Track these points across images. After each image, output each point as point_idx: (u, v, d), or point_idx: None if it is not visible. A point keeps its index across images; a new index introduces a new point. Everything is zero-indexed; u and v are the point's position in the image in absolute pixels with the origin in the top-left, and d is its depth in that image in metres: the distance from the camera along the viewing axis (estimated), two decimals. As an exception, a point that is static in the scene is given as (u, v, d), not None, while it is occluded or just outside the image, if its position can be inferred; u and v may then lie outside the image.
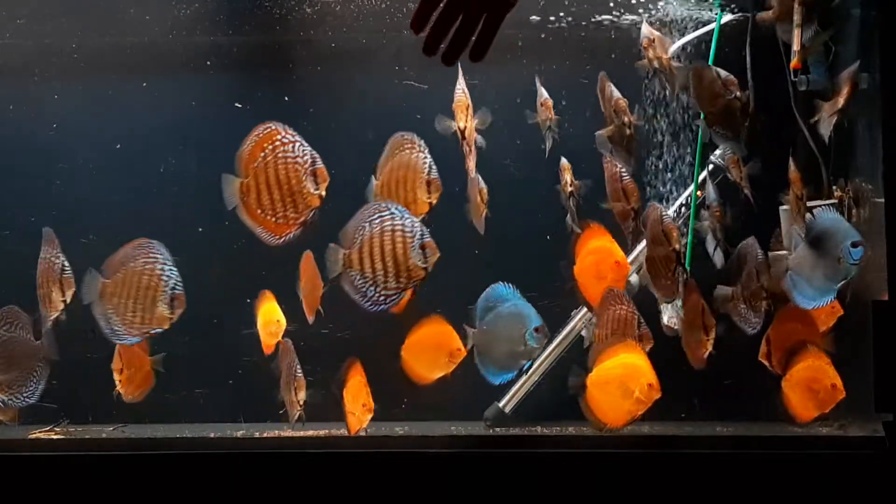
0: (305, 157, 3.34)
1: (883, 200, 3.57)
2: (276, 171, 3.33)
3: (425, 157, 3.47)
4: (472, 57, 2.55)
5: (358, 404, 3.65)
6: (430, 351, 3.68)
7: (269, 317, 3.82)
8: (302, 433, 3.88)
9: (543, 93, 3.86)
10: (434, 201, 3.45)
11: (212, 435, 3.94)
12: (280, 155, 3.32)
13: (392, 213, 3.32)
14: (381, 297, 3.34)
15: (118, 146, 4.33)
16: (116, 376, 3.84)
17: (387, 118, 4.16)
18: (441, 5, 2.48)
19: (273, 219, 3.36)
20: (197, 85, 4.34)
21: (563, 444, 3.76)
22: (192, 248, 4.28)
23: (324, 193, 3.33)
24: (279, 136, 3.35)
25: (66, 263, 3.62)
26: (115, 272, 3.51)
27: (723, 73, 3.59)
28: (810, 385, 3.54)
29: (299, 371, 3.69)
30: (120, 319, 3.50)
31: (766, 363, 3.64)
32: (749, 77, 3.80)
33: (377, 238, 3.30)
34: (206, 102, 4.35)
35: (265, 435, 3.87)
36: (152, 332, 3.50)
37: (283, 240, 3.38)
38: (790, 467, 3.50)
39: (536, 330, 3.61)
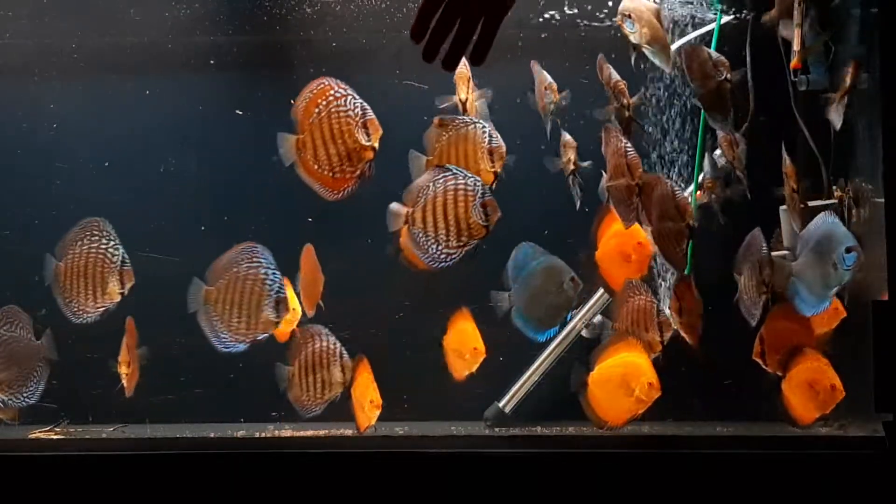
0: (357, 110, 3.34)
1: (883, 200, 3.57)
2: (329, 126, 3.34)
3: (483, 127, 3.46)
4: (471, 61, 2.55)
5: (366, 401, 3.65)
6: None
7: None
8: (302, 433, 3.88)
9: (546, 77, 3.82)
10: (499, 169, 3.44)
11: (212, 435, 3.94)
12: (333, 109, 3.34)
13: (454, 174, 3.34)
14: (443, 255, 3.37)
15: (119, 146, 4.33)
16: (123, 369, 3.83)
17: (387, 118, 4.15)
18: (439, 11, 2.48)
19: (330, 174, 3.36)
20: (197, 85, 4.35)
21: (564, 444, 3.76)
22: (192, 248, 4.29)
23: (376, 145, 3.34)
24: (332, 91, 3.36)
25: (126, 256, 3.62)
26: (218, 278, 3.49)
27: (714, 54, 3.58)
28: (810, 386, 3.54)
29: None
30: (225, 326, 3.49)
31: (759, 361, 3.64)
32: (749, 77, 3.80)
33: (440, 196, 3.32)
34: (206, 103, 4.35)
35: (265, 435, 3.87)
36: (258, 337, 3.48)
37: (341, 195, 3.39)
38: (790, 467, 3.50)
39: (571, 280, 3.59)
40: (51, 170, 4.32)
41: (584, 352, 3.86)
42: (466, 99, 3.60)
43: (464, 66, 3.60)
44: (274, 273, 3.45)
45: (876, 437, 3.52)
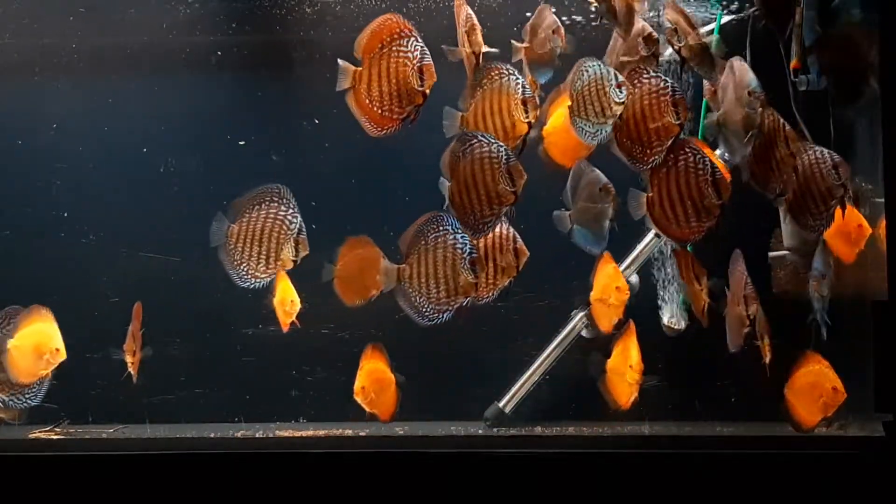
0: (416, 53, 3.34)
1: (883, 200, 3.57)
2: (388, 64, 3.34)
3: (517, 78, 3.45)
4: None
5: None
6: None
7: (285, 295, 3.78)
8: (303, 433, 3.89)
9: (554, 20, 3.66)
10: (533, 119, 3.44)
11: (212, 435, 3.94)
12: (395, 48, 3.34)
13: (479, 140, 3.36)
14: (480, 225, 3.39)
15: (119, 145, 4.33)
16: (128, 358, 3.82)
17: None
18: None
19: (379, 111, 3.37)
20: (197, 84, 4.34)
21: (563, 444, 3.77)
22: (192, 247, 4.29)
23: (428, 92, 3.33)
24: (397, 30, 3.36)
25: (303, 225, 3.55)
26: (411, 252, 3.44)
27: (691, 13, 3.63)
28: (813, 390, 3.54)
29: None
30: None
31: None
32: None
33: (468, 167, 3.35)
34: (207, 102, 4.35)
35: (265, 435, 3.87)
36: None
37: (384, 132, 3.40)
38: (790, 467, 3.50)
39: (601, 189, 3.59)
40: (51, 170, 4.32)
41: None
42: (475, 52, 3.54)
43: (472, 18, 3.55)
44: (463, 237, 3.37)
45: (876, 437, 3.52)
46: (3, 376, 3.64)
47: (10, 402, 3.65)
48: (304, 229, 3.43)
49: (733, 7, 4.04)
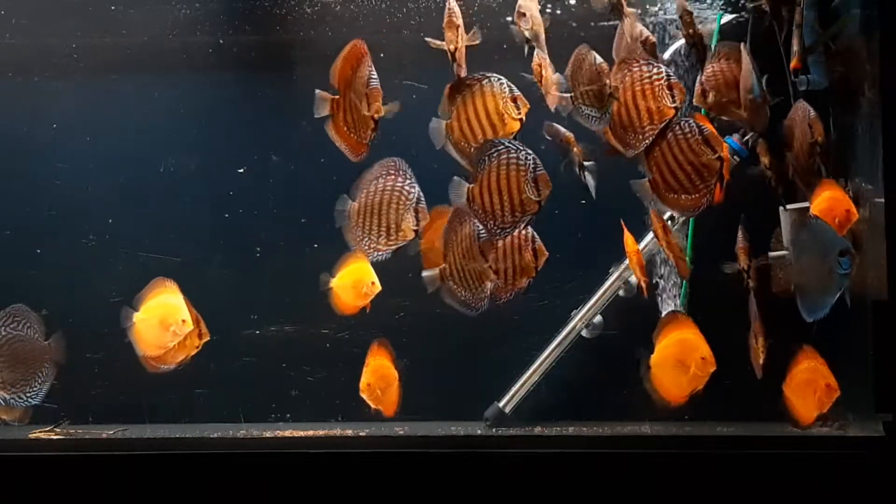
0: (372, 82, 3.45)
1: (883, 200, 3.57)
2: (354, 92, 3.47)
3: (500, 79, 3.48)
4: None
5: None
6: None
7: (361, 276, 3.76)
8: (303, 433, 3.89)
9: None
10: (523, 116, 3.46)
11: (213, 435, 3.94)
12: (360, 76, 3.46)
13: (507, 147, 3.41)
14: (498, 230, 3.43)
15: (118, 145, 4.33)
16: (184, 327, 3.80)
17: (386, 117, 4.16)
18: None
19: (355, 137, 3.49)
20: (197, 85, 4.34)
21: (563, 445, 3.76)
22: (191, 247, 4.29)
23: (377, 117, 3.44)
24: (364, 58, 3.47)
25: (422, 194, 3.54)
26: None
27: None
28: (808, 387, 3.55)
29: None
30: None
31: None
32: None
33: (494, 172, 3.39)
34: (206, 102, 4.35)
35: (266, 435, 3.87)
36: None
37: (358, 158, 3.50)
38: (790, 467, 3.50)
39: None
40: (50, 170, 4.32)
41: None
42: (456, 49, 3.56)
43: (454, 15, 3.55)
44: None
45: (876, 437, 3.52)
46: (6, 375, 3.63)
47: (12, 401, 3.65)
48: (422, 199, 3.46)
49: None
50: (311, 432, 3.91)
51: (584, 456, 3.62)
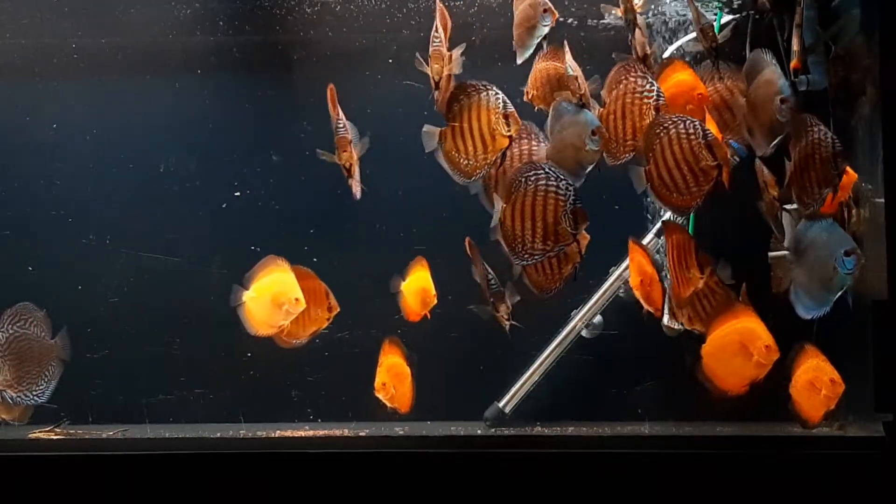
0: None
1: (883, 200, 3.57)
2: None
3: (497, 93, 3.46)
4: None
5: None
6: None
7: (426, 283, 3.74)
8: (303, 433, 3.89)
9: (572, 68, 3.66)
10: (514, 133, 3.44)
11: (213, 435, 3.94)
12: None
13: (547, 173, 3.38)
14: (527, 255, 3.41)
15: (118, 145, 4.33)
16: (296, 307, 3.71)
17: (386, 117, 4.16)
18: None
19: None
20: (197, 85, 4.34)
21: (563, 445, 3.76)
22: (191, 247, 4.29)
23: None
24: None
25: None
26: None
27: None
28: (813, 386, 3.53)
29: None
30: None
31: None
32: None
33: (530, 196, 3.37)
34: (206, 102, 4.35)
35: (266, 435, 3.87)
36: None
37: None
38: (790, 467, 3.50)
39: (594, 133, 3.49)
40: (51, 170, 4.32)
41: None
42: (440, 78, 3.55)
43: (442, 45, 3.54)
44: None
45: (876, 437, 3.52)
46: (14, 374, 3.63)
47: (20, 399, 3.65)
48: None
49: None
50: (311, 432, 3.91)
51: (584, 456, 3.62)
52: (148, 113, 4.33)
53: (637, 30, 3.62)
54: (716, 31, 3.93)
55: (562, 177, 3.38)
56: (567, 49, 3.59)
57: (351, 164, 3.53)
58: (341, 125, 3.51)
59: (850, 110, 3.83)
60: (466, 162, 3.48)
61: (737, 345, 3.51)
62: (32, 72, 4.33)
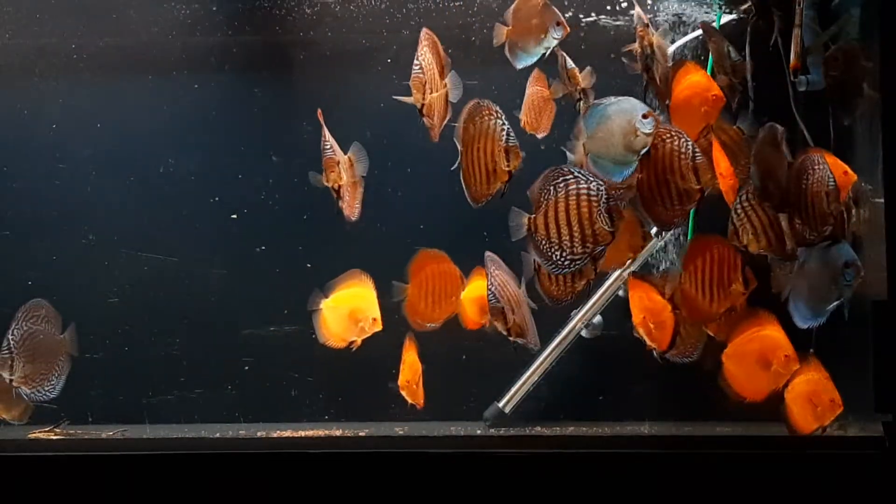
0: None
1: (883, 200, 3.57)
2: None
3: (503, 124, 3.42)
4: None
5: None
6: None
7: (481, 293, 3.60)
8: (303, 433, 3.89)
9: (570, 62, 3.69)
10: (514, 169, 3.39)
11: (215, 435, 3.94)
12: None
13: (577, 177, 3.34)
14: (567, 262, 3.36)
15: (118, 146, 4.33)
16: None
17: (386, 118, 4.16)
18: None
19: (475, 186, 3.43)
20: (197, 85, 4.34)
21: (563, 445, 3.76)
22: (192, 248, 4.29)
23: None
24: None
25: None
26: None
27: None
28: (810, 398, 3.53)
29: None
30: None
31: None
32: (749, 77, 3.80)
33: (563, 202, 3.33)
34: (206, 102, 4.35)
35: (266, 435, 3.87)
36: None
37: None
38: (790, 467, 3.50)
39: (645, 116, 3.42)
40: (51, 170, 4.32)
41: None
42: (423, 104, 3.53)
43: (423, 70, 3.52)
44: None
45: (876, 437, 3.52)
46: (27, 370, 3.64)
47: (32, 395, 3.66)
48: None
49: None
50: (311, 432, 3.91)
51: (584, 456, 3.62)
52: (148, 113, 4.32)
53: (656, 63, 3.60)
54: (716, 29, 3.95)
55: (592, 178, 3.34)
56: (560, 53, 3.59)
57: (340, 186, 3.50)
58: (328, 146, 3.48)
59: (848, 110, 3.82)
60: (476, 188, 3.44)
61: (757, 353, 3.52)
62: (33, 72, 4.32)
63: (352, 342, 3.61)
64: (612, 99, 3.48)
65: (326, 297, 3.63)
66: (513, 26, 3.63)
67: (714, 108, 3.58)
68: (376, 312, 3.60)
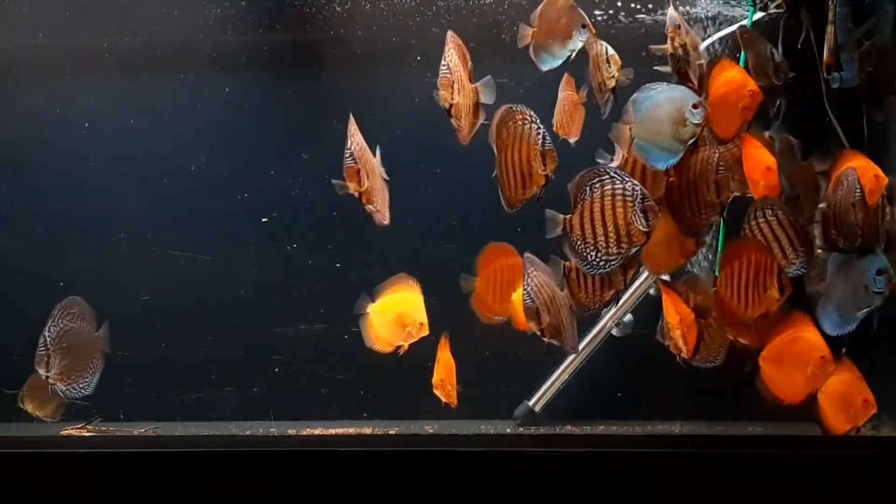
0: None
1: (917, 199, 3.55)
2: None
3: (539, 129, 3.39)
4: None
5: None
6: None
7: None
8: (333, 431, 3.90)
9: (610, 49, 3.64)
10: (550, 173, 3.37)
11: (245, 432, 3.96)
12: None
13: (612, 177, 3.33)
14: (602, 262, 3.36)
15: (150, 144, 4.35)
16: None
17: (416, 115, 4.16)
18: None
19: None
20: (228, 83, 4.35)
21: (593, 444, 3.75)
22: (222, 246, 4.31)
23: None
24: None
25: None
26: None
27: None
28: (843, 399, 3.51)
29: None
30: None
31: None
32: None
33: (598, 202, 3.33)
34: (237, 101, 4.36)
35: (296, 433, 3.89)
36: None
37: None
38: (822, 468, 3.48)
39: (695, 106, 3.40)
40: (82, 169, 4.34)
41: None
42: (451, 105, 3.51)
43: (450, 71, 3.51)
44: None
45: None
46: (64, 366, 3.67)
47: (67, 392, 3.70)
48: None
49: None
50: (341, 430, 3.92)
51: (615, 455, 3.60)
52: (179, 112, 4.34)
53: (690, 63, 3.58)
54: (748, 26, 3.92)
55: (627, 178, 3.33)
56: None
57: (361, 193, 3.49)
58: (348, 154, 3.46)
59: (881, 107, 3.79)
60: (511, 193, 3.43)
61: (793, 354, 3.50)
62: (65, 71, 4.35)
63: (398, 346, 3.61)
64: (664, 86, 3.46)
65: (374, 301, 3.62)
66: (538, 28, 3.62)
67: (752, 105, 3.54)
68: (424, 317, 3.58)
